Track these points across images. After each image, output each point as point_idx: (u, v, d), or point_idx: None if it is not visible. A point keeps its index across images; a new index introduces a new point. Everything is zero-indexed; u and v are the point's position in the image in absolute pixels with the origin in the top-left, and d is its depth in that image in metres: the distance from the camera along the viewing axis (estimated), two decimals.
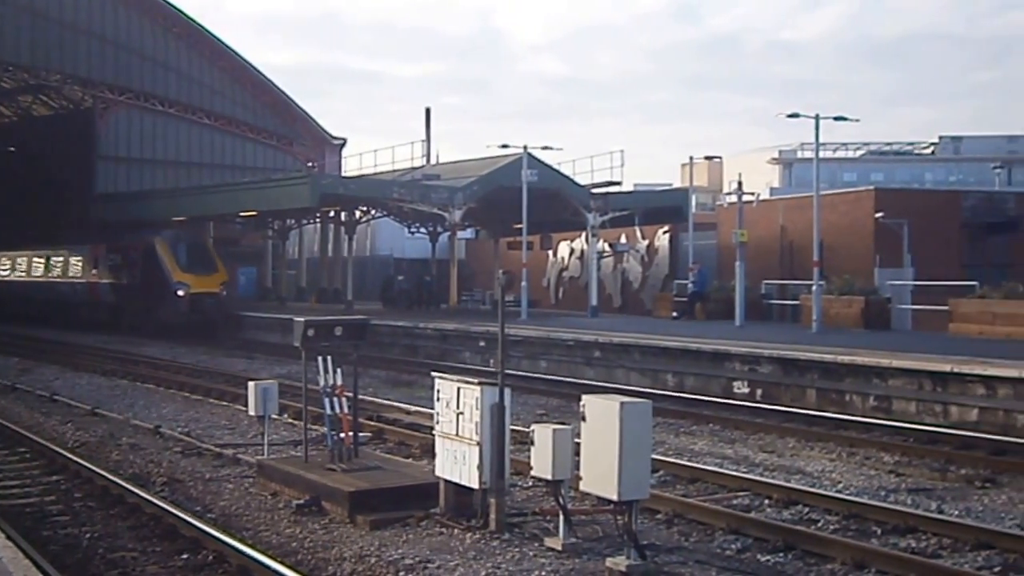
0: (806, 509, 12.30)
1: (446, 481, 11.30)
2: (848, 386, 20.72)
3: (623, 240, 44.94)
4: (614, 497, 9.36)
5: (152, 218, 47.81)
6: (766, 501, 12.75)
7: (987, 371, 18.52)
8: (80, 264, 48.31)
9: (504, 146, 38.35)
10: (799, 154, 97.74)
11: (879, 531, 11.31)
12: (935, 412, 19.11)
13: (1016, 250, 38.78)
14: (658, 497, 12.12)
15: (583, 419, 9.76)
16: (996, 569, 9.95)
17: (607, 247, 44.52)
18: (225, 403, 21.74)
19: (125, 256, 44.63)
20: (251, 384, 15.28)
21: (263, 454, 14.82)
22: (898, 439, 17.18)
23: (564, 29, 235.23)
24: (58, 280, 49.97)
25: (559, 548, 10.17)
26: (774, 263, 39.28)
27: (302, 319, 13.00)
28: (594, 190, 42.71)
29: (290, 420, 18.50)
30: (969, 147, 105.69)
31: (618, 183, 44.01)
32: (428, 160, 53.07)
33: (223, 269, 43.67)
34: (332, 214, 49.50)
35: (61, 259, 50.12)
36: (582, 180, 43.06)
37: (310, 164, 58.12)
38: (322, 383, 12.86)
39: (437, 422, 11.45)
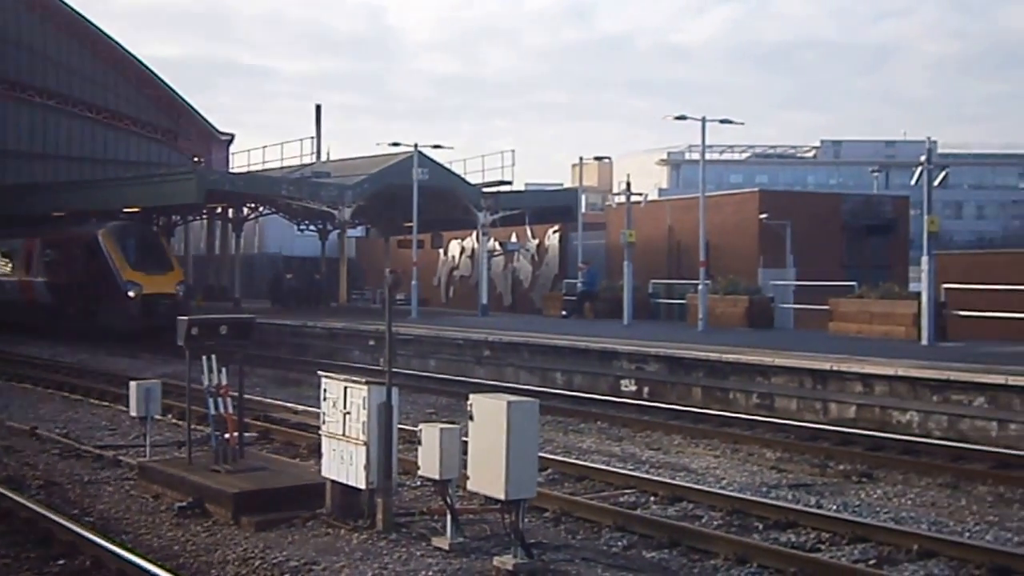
0: (691, 505, 12.49)
1: (333, 481, 11.17)
2: (732, 384, 21.12)
3: (513, 239, 45.12)
4: (501, 496, 9.36)
5: (30, 213, 46.13)
6: (652, 498, 12.91)
7: (864, 369, 19.07)
8: (10, 260, 42.55)
9: (395, 144, 38.25)
10: (687, 156, 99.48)
11: (761, 526, 11.54)
12: (815, 409, 19.60)
13: (893, 251, 40.07)
14: (546, 495, 12.18)
15: (471, 418, 9.74)
16: (871, 562, 10.23)
17: (498, 246, 44.64)
18: (106, 403, 21.19)
19: (64, 252, 39.14)
20: (132, 384, 14.91)
21: (145, 455, 14.48)
22: (780, 436, 17.57)
23: (455, 28, 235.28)
24: None
25: (446, 547, 10.14)
26: (662, 263, 39.84)
27: (185, 318, 12.74)
28: (485, 189, 42.82)
29: (174, 421, 18.11)
30: (849, 151, 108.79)
31: (509, 182, 44.23)
32: (318, 157, 52.58)
33: (178, 267, 38.94)
34: (219, 211, 48.65)
35: None
36: (473, 179, 43.16)
37: (196, 159, 56.98)
38: (206, 383, 12.61)
39: (324, 422, 11.32)
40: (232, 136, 61.46)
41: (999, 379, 17.23)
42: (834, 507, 12.56)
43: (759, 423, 18.74)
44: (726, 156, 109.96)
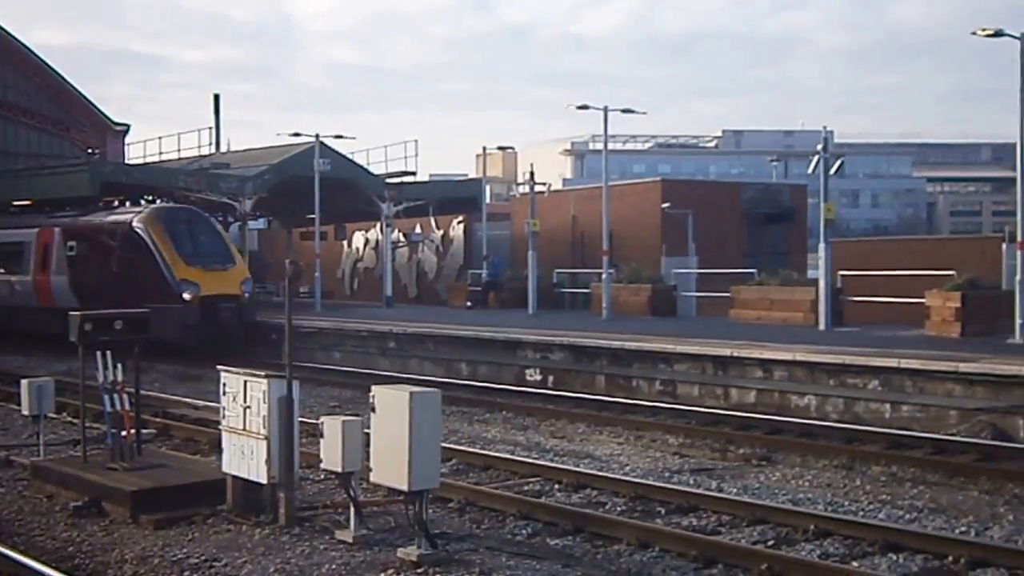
0: (595, 492, 12.60)
1: (234, 477, 11.01)
2: (636, 371, 21.34)
3: (418, 230, 44.96)
4: (404, 487, 9.32)
5: None
6: (556, 486, 12.99)
7: (764, 355, 19.43)
8: (20, 255, 34.18)
9: (296, 135, 37.76)
10: (591, 146, 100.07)
11: (663, 511, 11.69)
12: (716, 395, 19.91)
13: (792, 239, 40.85)
14: (450, 486, 12.17)
15: (373, 410, 9.68)
16: (769, 543, 10.43)
17: (402, 237, 44.44)
18: None
19: (94, 244, 31.31)
20: (24, 382, 14.52)
21: (39, 455, 14.10)
22: (682, 422, 17.79)
23: (357, 16, 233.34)
24: None
25: (350, 540, 10.07)
26: (566, 252, 40.06)
27: (77, 313, 12.43)
28: (389, 180, 42.54)
29: (69, 419, 17.68)
30: (750, 141, 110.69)
31: (412, 173, 43.96)
32: (217, 148, 51.61)
33: (241, 262, 31.52)
34: (116, 204, 47.51)
35: None
36: (377, 170, 42.82)
37: (90, 151, 55.54)
38: (101, 379, 12.32)
39: (224, 417, 11.15)
40: (128, 127, 59.99)
41: (892, 362, 17.71)
42: (734, 490, 12.78)
43: (662, 409, 18.97)
44: (629, 146, 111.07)
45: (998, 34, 21.47)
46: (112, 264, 30.20)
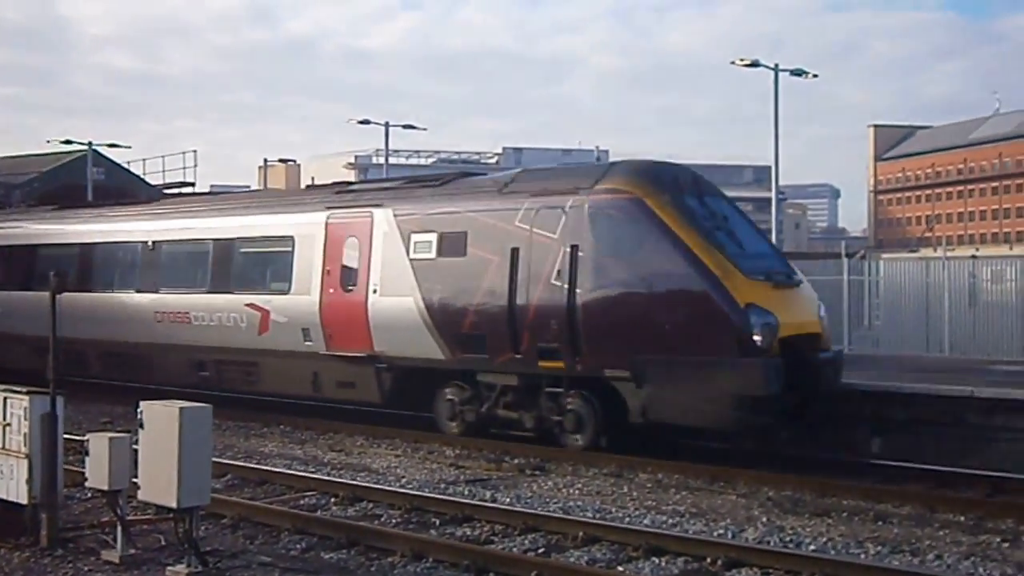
0: (371, 505, 12.67)
1: None
2: None
3: None
4: (173, 504, 9.18)
5: None
6: (332, 499, 13.00)
7: None
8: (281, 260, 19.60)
9: (68, 142, 36.38)
10: (374, 159, 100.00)
11: (438, 522, 11.86)
12: None
13: None
14: (224, 502, 12.00)
15: (141, 426, 9.49)
16: (540, 550, 10.76)
17: None
18: None
19: (491, 236, 16.63)
20: None
21: None
22: (458, 437, 17.83)
23: (135, 22, 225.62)
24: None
25: (116, 560, 9.81)
26: None
27: None
28: (166, 190, 41.41)
29: None
30: (529, 158, 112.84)
31: (191, 184, 42.98)
32: None
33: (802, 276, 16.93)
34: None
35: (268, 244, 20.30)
36: (154, 180, 41.67)
37: None
38: None
39: None
40: None
41: None
42: (508, 500, 13.09)
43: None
44: (412, 161, 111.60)
45: (754, 64, 22.81)
46: (549, 273, 15.78)
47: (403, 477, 14.57)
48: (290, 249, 19.00)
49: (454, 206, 17.30)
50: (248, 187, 79.71)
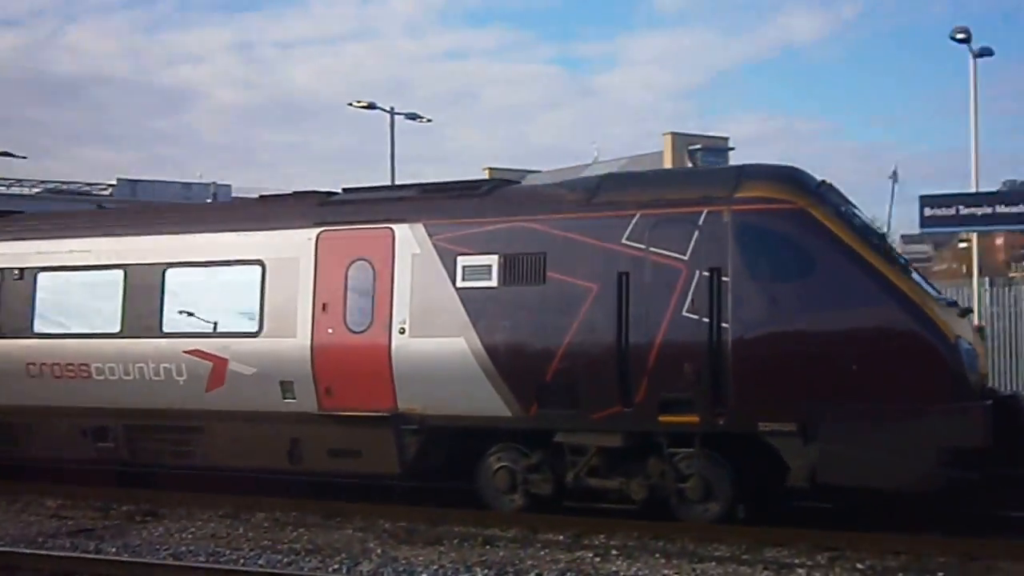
0: None
1: None
2: None
3: None
4: None
5: None
6: None
7: None
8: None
9: None
10: None
11: None
12: None
13: None
14: None
15: None
16: None
17: None
18: None
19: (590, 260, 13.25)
20: None
21: None
22: (60, 484, 16.59)
23: None
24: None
25: None
26: None
27: None
28: None
29: None
30: (146, 191, 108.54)
31: None
32: None
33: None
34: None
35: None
36: None
37: None
38: None
39: None
40: None
41: None
42: (114, 549, 12.49)
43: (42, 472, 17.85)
44: (15, 190, 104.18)
45: (371, 106, 23.35)
46: (678, 303, 12.68)
47: None
48: (257, 278, 14.71)
49: (521, 220, 13.57)
50: None
